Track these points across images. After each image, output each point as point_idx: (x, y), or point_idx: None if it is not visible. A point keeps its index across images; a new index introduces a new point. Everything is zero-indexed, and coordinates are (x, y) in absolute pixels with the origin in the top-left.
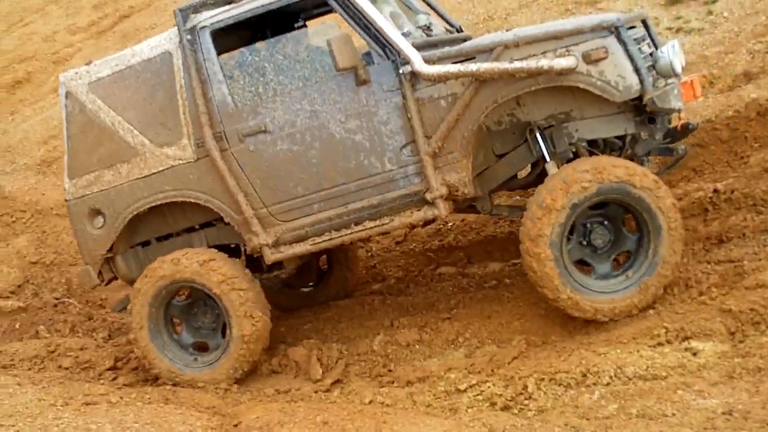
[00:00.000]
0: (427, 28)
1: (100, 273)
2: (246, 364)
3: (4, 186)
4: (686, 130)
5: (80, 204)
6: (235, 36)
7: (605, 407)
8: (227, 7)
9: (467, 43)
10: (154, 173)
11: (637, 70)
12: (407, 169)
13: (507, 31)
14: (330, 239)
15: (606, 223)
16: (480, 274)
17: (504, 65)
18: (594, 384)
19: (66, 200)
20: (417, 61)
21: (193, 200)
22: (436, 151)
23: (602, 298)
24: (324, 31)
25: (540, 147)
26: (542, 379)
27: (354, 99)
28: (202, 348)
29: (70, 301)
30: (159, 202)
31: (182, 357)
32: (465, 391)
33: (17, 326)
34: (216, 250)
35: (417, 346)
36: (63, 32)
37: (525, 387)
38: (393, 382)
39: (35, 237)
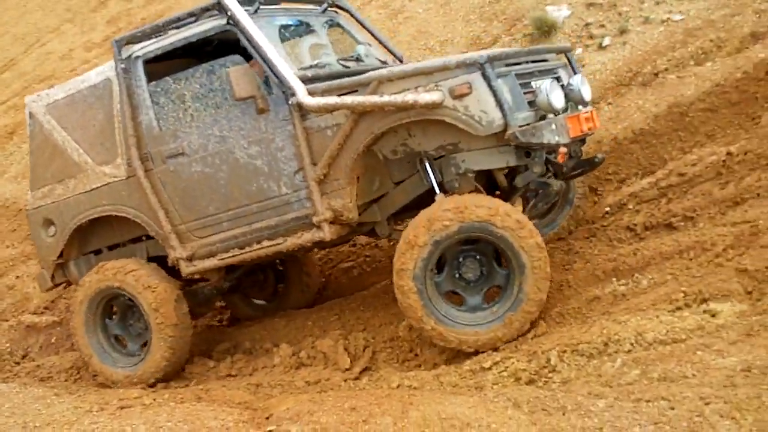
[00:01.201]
0: (357, 59)
1: (53, 277)
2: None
3: None
4: (588, 162)
5: (36, 214)
6: (175, 62)
7: (627, 374)
8: (156, 39)
9: (351, 78)
10: (94, 189)
11: (500, 106)
12: (300, 193)
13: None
14: (233, 256)
15: (478, 257)
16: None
17: (374, 99)
18: (616, 352)
19: (27, 210)
20: (300, 92)
21: (124, 215)
22: (321, 177)
23: (467, 330)
24: (232, 61)
25: (429, 177)
26: (564, 351)
27: (255, 126)
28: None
29: None
30: (97, 215)
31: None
32: (490, 368)
33: (53, 340)
34: (135, 260)
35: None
36: (79, 49)
37: (548, 360)
38: (420, 366)
39: None
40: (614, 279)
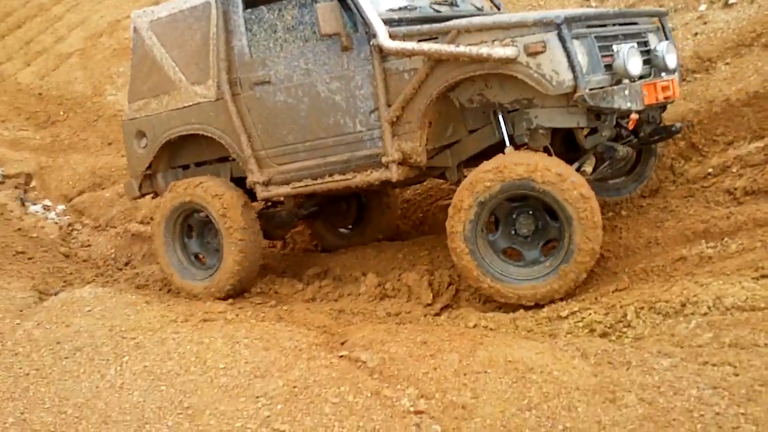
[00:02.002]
0: (451, 3)
1: (140, 186)
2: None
3: None
4: (666, 129)
5: (131, 125)
6: None
7: (700, 336)
8: None
9: (432, 25)
10: (185, 107)
11: (572, 67)
12: (373, 132)
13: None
14: (305, 186)
15: (531, 212)
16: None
17: (450, 48)
18: (692, 313)
19: (123, 120)
20: (381, 34)
21: (210, 135)
22: (394, 119)
23: (524, 285)
24: None
25: (501, 129)
26: (642, 308)
27: (338, 63)
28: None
29: None
30: (186, 133)
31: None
32: (566, 317)
33: None
34: (230, 188)
35: None
36: None
37: (624, 315)
38: (500, 308)
39: None
40: (703, 241)
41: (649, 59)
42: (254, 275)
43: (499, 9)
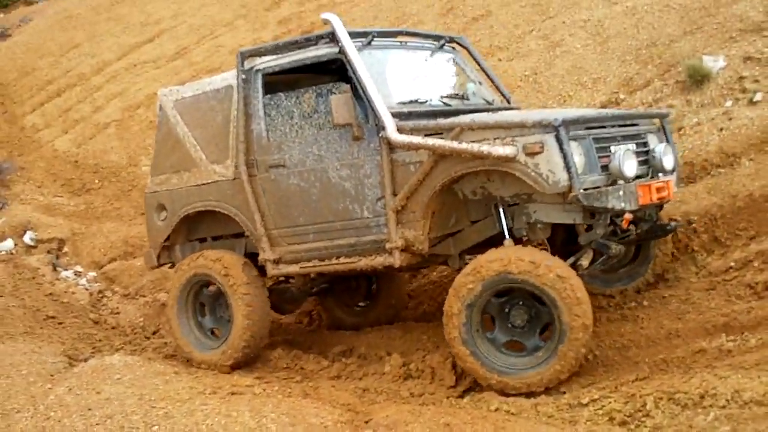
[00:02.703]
0: (462, 97)
1: (159, 257)
2: (245, 347)
3: None
4: (662, 228)
5: (152, 198)
6: (290, 77)
7: (718, 428)
8: (276, 56)
9: (438, 121)
10: (204, 184)
11: (567, 168)
12: (379, 219)
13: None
14: (314, 266)
15: (521, 303)
16: (618, 292)
17: (453, 145)
18: (710, 406)
19: (145, 192)
20: (390, 127)
21: (225, 212)
22: (399, 208)
23: (530, 373)
24: (338, 88)
25: (501, 222)
26: (661, 398)
27: (349, 151)
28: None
29: None
30: (203, 209)
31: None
32: (587, 405)
33: None
34: (228, 252)
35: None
36: (248, 46)
37: (644, 404)
38: (521, 393)
39: None
40: (724, 334)
41: (647, 160)
42: (265, 335)
43: (509, 102)
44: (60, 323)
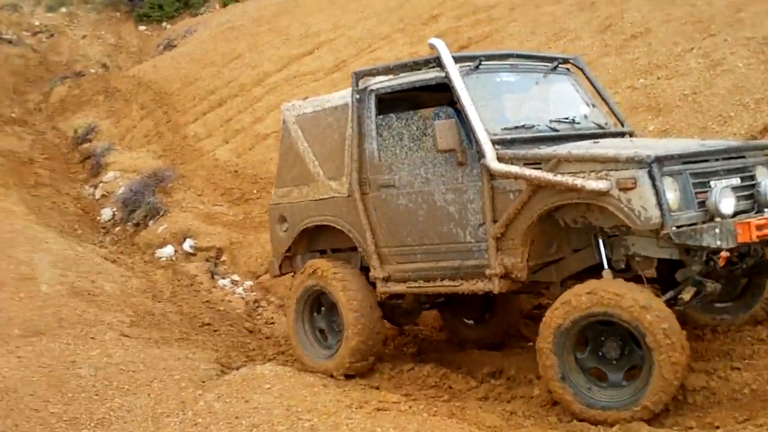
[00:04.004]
0: (573, 121)
1: (281, 266)
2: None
3: None
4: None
5: (275, 209)
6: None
7: None
8: (389, 77)
9: (537, 151)
10: (321, 199)
11: (659, 205)
12: (481, 244)
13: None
14: (419, 287)
15: (618, 336)
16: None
17: (548, 176)
18: None
19: (270, 204)
20: (489, 155)
21: (340, 228)
22: (498, 235)
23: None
24: (444, 113)
25: (600, 252)
26: None
27: (453, 176)
28: None
29: None
30: (320, 223)
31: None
32: None
33: None
34: (341, 263)
35: (702, 393)
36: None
37: None
38: (673, 426)
39: None
40: None
41: (753, 194)
42: (376, 345)
43: (623, 124)
44: (215, 330)
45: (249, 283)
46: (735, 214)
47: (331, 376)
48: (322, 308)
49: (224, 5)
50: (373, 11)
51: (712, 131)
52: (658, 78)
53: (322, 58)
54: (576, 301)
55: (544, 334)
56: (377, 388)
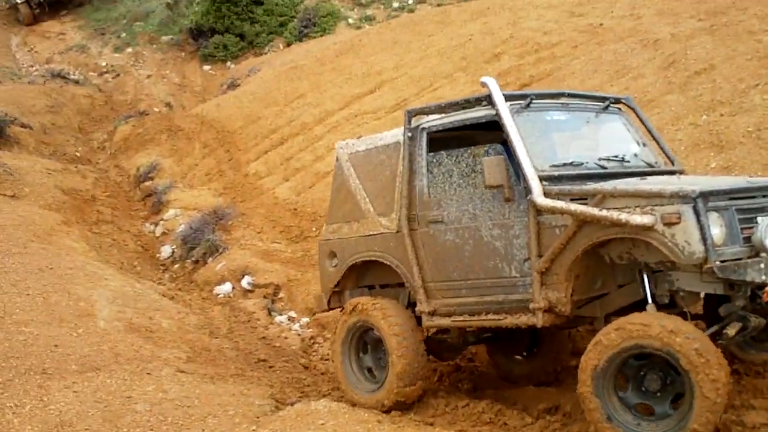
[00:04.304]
0: (622, 159)
1: (329, 302)
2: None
3: None
4: None
5: (325, 245)
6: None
7: None
8: (441, 115)
9: (582, 187)
10: (370, 235)
11: (704, 240)
12: (525, 279)
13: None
14: (464, 321)
15: (658, 368)
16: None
17: (593, 211)
18: None
19: (320, 240)
20: (536, 191)
21: (388, 263)
22: (543, 269)
23: None
24: (493, 149)
25: (644, 287)
26: None
27: (500, 212)
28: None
29: None
30: (369, 259)
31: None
32: None
33: None
34: (386, 299)
35: (763, 430)
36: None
37: None
38: None
39: None
40: None
41: None
42: (420, 380)
43: (673, 163)
44: (270, 366)
45: (306, 319)
46: None
47: (384, 411)
48: (368, 347)
49: (288, 45)
50: (435, 50)
51: None
52: (722, 115)
53: (384, 97)
54: (606, 340)
55: (582, 378)
56: (431, 424)
